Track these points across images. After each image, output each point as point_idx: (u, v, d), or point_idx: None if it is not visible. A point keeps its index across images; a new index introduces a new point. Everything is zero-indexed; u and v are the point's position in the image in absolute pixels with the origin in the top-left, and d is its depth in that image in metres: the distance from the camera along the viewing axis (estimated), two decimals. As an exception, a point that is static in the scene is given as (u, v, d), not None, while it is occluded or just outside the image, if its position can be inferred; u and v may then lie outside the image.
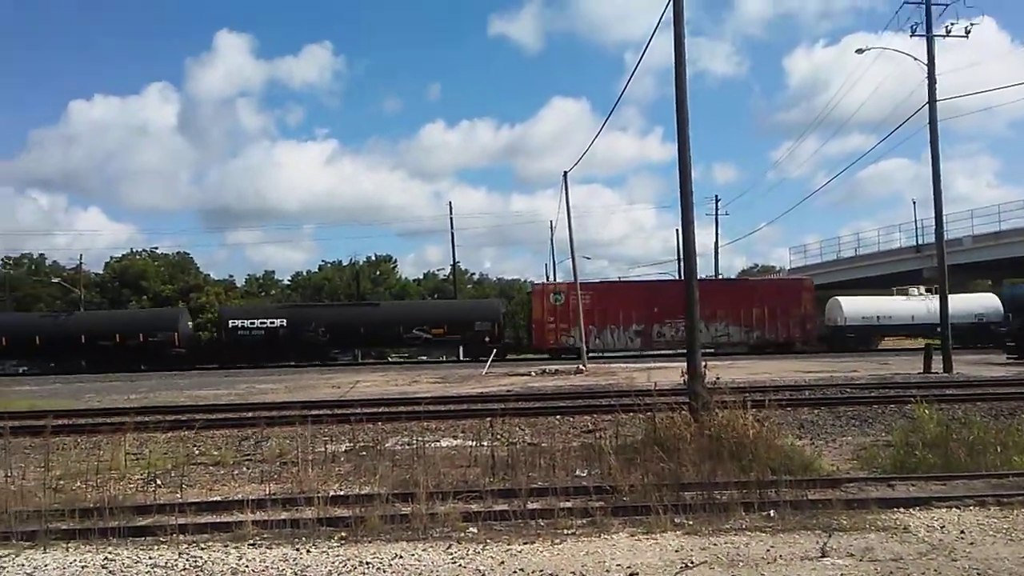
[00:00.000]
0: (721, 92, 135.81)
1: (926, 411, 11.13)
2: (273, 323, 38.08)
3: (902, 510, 7.61)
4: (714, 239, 57.77)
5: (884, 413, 14.36)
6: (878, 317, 39.41)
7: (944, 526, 7.02)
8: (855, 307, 39.72)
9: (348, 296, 55.76)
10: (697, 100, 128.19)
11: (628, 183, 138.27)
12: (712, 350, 33.95)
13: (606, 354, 38.20)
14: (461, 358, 39.54)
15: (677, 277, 42.83)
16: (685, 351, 13.22)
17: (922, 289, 40.82)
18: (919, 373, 22.91)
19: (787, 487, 8.24)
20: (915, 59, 24.47)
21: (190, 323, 41.93)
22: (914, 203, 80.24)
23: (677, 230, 53.40)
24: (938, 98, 23.87)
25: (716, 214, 57.46)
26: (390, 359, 40.39)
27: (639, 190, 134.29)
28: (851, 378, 21.37)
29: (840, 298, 40.79)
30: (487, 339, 37.79)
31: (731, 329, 38.16)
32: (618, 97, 46.39)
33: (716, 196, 60.07)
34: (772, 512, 7.56)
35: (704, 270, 60.36)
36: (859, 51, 26.58)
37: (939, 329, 24.81)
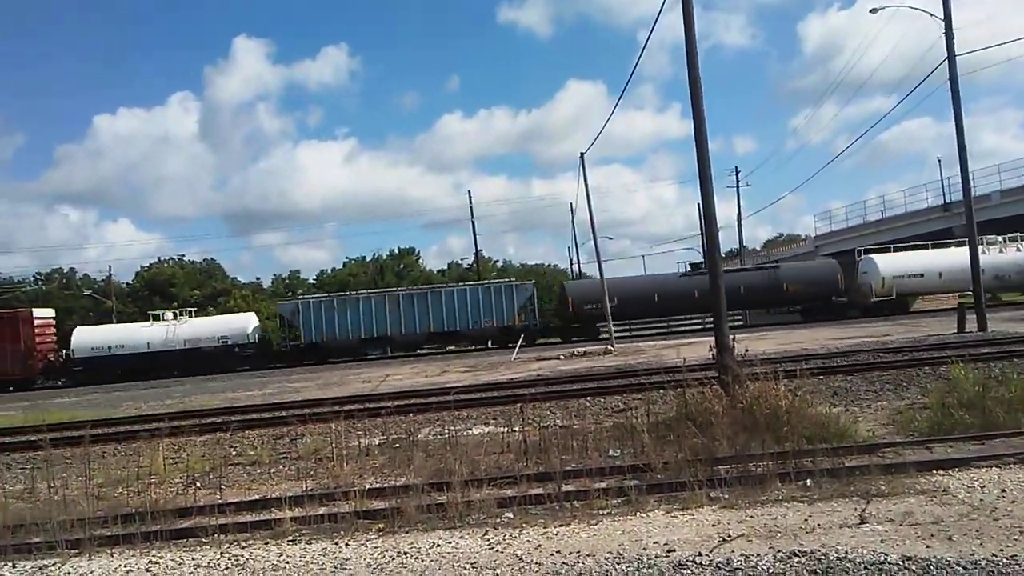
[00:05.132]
0: (736, 64, 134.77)
1: (962, 371, 10.98)
2: None
3: (941, 472, 7.55)
4: (737, 211, 57.31)
5: (919, 375, 14.20)
6: (116, 346, 36.82)
7: (984, 486, 6.94)
8: (83, 338, 37.37)
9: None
10: (712, 74, 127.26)
11: (648, 161, 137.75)
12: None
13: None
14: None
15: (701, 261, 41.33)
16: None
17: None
18: (953, 333, 22.56)
19: (823, 455, 8.17)
20: (931, 15, 23.89)
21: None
22: (939, 161, 79.65)
23: (698, 204, 53.46)
24: (957, 53, 23.30)
25: (737, 185, 56.87)
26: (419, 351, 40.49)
27: (659, 168, 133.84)
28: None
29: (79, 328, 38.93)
30: None
31: None
32: (629, 75, 45.84)
33: (736, 167, 59.30)
34: (808, 481, 7.52)
35: (728, 243, 60.05)
36: (873, 11, 25.96)
37: (972, 288, 24.49)
